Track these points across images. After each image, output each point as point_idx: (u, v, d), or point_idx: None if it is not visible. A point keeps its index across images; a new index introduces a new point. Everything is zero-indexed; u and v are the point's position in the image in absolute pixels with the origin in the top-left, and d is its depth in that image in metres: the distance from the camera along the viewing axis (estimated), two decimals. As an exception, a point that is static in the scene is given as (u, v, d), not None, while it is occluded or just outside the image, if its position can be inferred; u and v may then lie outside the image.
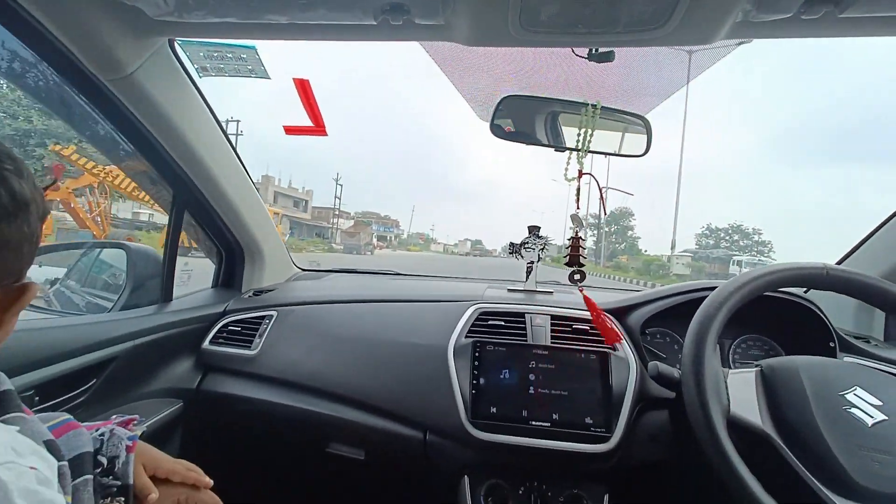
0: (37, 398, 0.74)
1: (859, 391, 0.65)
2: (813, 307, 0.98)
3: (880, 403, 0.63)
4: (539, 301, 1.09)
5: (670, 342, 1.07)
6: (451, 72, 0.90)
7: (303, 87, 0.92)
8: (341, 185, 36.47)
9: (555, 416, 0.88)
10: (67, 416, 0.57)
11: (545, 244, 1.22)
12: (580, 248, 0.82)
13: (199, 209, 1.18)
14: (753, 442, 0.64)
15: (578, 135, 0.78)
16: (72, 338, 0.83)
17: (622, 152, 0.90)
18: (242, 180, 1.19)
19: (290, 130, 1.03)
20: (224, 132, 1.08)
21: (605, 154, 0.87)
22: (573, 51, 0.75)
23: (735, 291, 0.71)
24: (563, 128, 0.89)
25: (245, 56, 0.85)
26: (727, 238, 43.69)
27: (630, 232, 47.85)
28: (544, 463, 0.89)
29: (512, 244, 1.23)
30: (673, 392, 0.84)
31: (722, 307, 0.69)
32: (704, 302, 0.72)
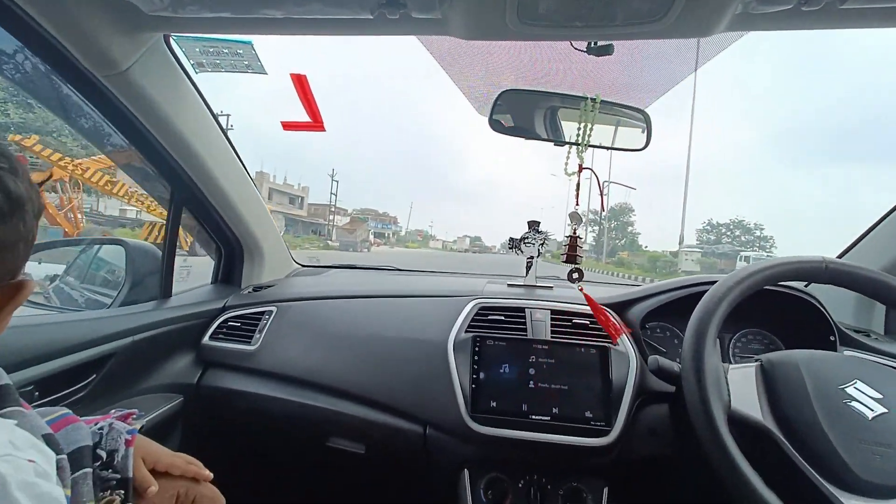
0: (36, 393, 0.74)
1: (859, 384, 0.65)
2: (813, 301, 0.97)
3: (880, 396, 0.63)
4: (539, 296, 1.09)
5: (670, 336, 1.07)
6: (449, 67, 0.89)
7: (300, 83, 0.92)
8: (337, 182, 35.88)
9: (555, 410, 0.88)
10: (66, 410, 0.57)
11: (545, 239, 1.22)
12: (577, 248, 0.82)
13: (197, 205, 1.17)
14: (754, 437, 0.64)
15: (578, 128, 0.78)
16: (71, 334, 0.83)
17: (622, 146, 0.89)
18: (240, 176, 1.19)
19: (287, 126, 1.03)
20: (221, 128, 1.08)
21: (605, 148, 0.87)
22: (572, 44, 0.75)
23: (735, 286, 0.70)
24: (563, 122, 0.89)
25: (241, 51, 0.85)
26: (728, 233, 43.60)
27: (630, 228, 47.82)
28: (544, 457, 0.90)
29: (512, 239, 1.23)
30: (673, 386, 0.84)
31: (722, 302, 0.69)
32: (704, 297, 0.72)
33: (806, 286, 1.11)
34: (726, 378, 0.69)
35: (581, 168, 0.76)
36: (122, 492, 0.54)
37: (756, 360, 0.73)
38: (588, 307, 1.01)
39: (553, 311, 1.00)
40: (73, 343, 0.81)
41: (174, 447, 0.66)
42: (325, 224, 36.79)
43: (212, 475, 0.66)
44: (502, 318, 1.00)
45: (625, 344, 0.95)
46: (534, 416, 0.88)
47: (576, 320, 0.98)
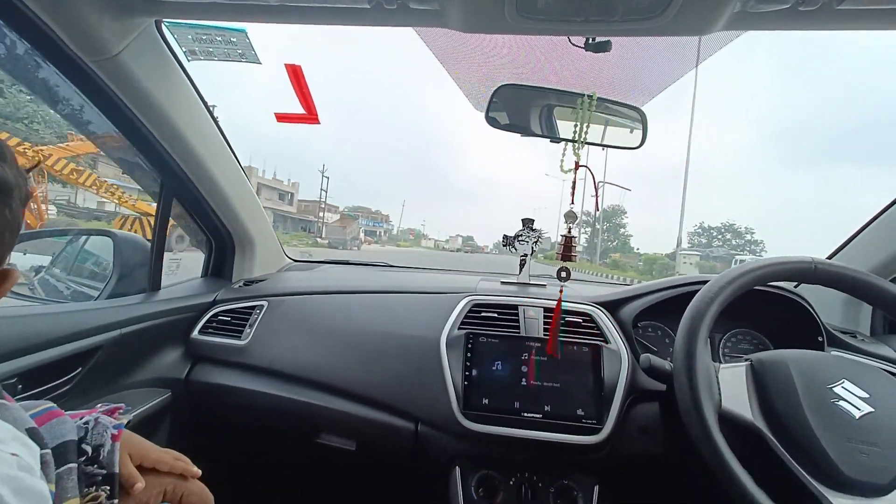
0: (20, 386, 0.72)
1: (847, 384, 0.66)
2: (802, 302, 0.99)
3: (867, 396, 0.64)
4: (532, 293, 1.09)
5: (662, 335, 1.07)
6: (446, 61, 0.89)
7: (295, 74, 0.91)
8: (327, 178, 35.38)
9: (547, 408, 0.88)
10: (50, 404, 0.56)
11: (539, 237, 1.22)
12: (573, 247, 0.82)
13: (188, 197, 1.15)
14: (744, 436, 0.65)
15: (575, 125, 0.78)
16: (56, 326, 0.81)
17: (617, 144, 0.90)
18: (232, 168, 1.17)
19: (281, 118, 1.01)
20: (213, 118, 1.06)
21: (601, 145, 0.86)
22: (570, 40, 0.74)
23: (726, 286, 0.71)
24: (559, 118, 0.89)
25: (235, 39, 0.83)
26: (720, 237, 44.13)
27: (622, 230, 48.20)
28: (536, 454, 0.90)
29: (506, 236, 1.23)
30: (664, 385, 0.85)
31: (713, 302, 0.70)
32: (696, 297, 0.72)
33: (795, 287, 1.13)
34: (717, 377, 0.70)
35: (577, 165, 0.76)
36: (108, 488, 0.53)
37: (746, 360, 0.74)
38: (579, 306, 1.01)
39: (546, 309, 1.00)
40: (58, 335, 0.79)
41: (161, 443, 0.65)
42: (314, 221, 36.24)
43: (200, 472, 0.65)
44: (495, 315, 1.00)
45: (617, 342, 0.95)
46: (526, 414, 0.88)
47: (568, 318, 0.98)
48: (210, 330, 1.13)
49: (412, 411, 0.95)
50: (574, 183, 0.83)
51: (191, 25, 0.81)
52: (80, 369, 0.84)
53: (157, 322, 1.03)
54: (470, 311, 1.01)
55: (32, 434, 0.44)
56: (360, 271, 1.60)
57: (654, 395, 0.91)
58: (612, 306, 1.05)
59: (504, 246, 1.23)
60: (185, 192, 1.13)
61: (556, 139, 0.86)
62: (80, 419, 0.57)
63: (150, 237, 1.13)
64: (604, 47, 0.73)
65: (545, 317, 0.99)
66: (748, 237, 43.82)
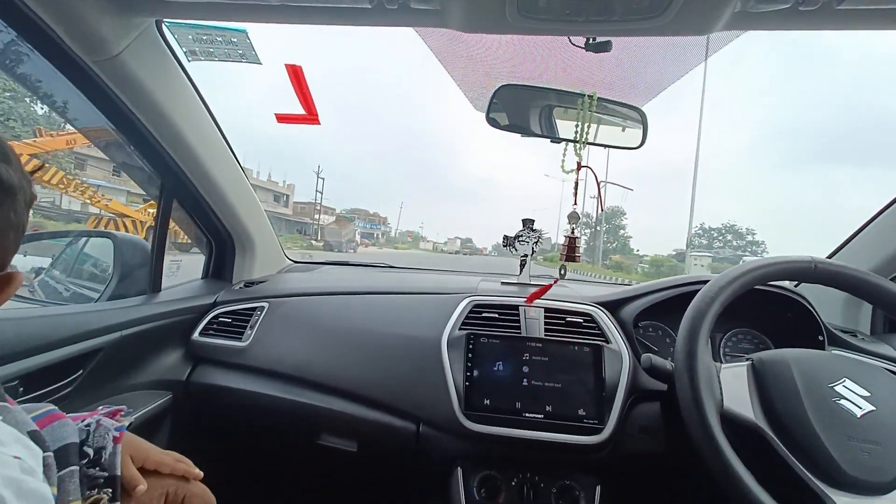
0: (21, 389, 0.72)
1: (848, 383, 0.66)
2: (803, 301, 0.99)
3: (868, 394, 0.64)
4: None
5: (662, 335, 1.07)
6: (446, 60, 0.89)
7: (295, 74, 0.90)
8: (323, 179, 34.88)
9: (548, 408, 0.88)
10: (52, 406, 0.55)
11: (539, 238, 1.21)
12: (576, 248, 0.82)
13: (188, 198, 1.15)
14: (746, 435, 0.65)
15: (576, 126, 0.78)
16: (57, 328, 0.81)
17: (618, 144, 0.90)
18: (233, 168, 1.17)
19: (281, 118, 1.01)
20: (214, 118, 1.06)
21: (601, 145, 0.87)
22: (570, 40, 0.74)
23: (727, 286, 0.71)
24: (559, 119, 0.89)
25: (236, 40, 0.83)
26: (720, 238, 43.87)
27: (622, 231, 48.15)
28: (537, 454, 0.90)
29: (506, 237, 1.23)
30: (665, 384, 0.85)
31: (714, 302, 0.70)
32: (696, 297, 0.72)
33: (796, 286, 1.13)
34: (718, 377, 0.70)
35: (580, 166, 0.76)
36: (110, 490, 0.53)
37: (747, 360, 0.74)
38: (580, 306, 1.01)
39: (547, 310, 1.00)
40: (59, 337, 0.79)
41: (162, 445, 0.65)
42: (311, 223, 35.76)
43: (202, 473, 0.65)
44: (496, 315, 1.00)
45: (617, 342, 0.95)
46: (527, 414, 0.88)
47: (569, 318, 0.99)
48: (211, 331, 1.13)
49: (413, 412, 0.95)
50: (576, 183, 0.83)
51: (191, 25, 0.81)
52: (81, 371, 0.84)
53: (158, 324, 1.03)
54: (471, 311, 1.01)
55: (34, 437, 0.44)
56: (360, 272, 1.59)
57: (656, 395, 0.91)
58: (613, 306, 1.05)
59: (504, 246, 1.23)
60: (186, 194, 1.13)
61: (556, 139, 0.86)
62: (82, 421, 0.57)
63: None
64: (604, 47, 0.73)
65: (546, 317, 0.99)
66: (749, 238, 43.52)
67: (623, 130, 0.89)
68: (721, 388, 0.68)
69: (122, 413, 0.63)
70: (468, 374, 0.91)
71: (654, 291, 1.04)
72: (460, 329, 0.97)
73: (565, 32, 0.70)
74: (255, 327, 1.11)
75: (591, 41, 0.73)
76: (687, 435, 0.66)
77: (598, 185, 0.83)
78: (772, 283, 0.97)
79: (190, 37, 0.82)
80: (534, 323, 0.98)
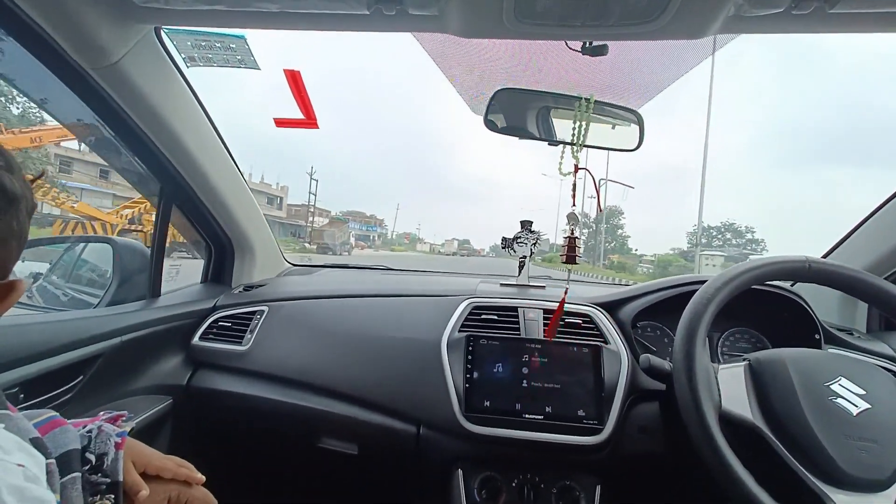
0: (22, 395, 0.72)
1: (844, 381, 0.67)
2: (799, 300, 0.99)
3: (864, 392, 0.65)
4: (531, 295, 1.10)
5: (661, 335, 1.08)
6: (444, 65, 0.89)
7: (294, 79, 0.91)
8: (316, 181, 34.24)
9: (548, 409, 0.89)
10: (53, 413, 0.55)
11: (537, 239, 1.22)
12: (576, 248, 0.83)
13: (187, 203, 1.15)
14: (745, 435, 0.65)
15: (573, 128, 0.78)
16: (58, 334, 0.81)
17: (615, 146, 0.90)
18: (232, 173, 1.17)
19: (280, 123, 1.02)
20: (212, 123, 1.06)
21: (598, 148, 0.87)
22: (567, 44, 0.75)
23: (723, 286, 0.72)
24: (557, 121, 0.89)
25: (234, 46, 0.84)
26: (719, 236, 43.61)
27: (620, 231, 48.15)
28: (537, 455, 0.90)
29: (504, 239, 1.24)
30: (664, 384, 0.85)
31: (710, 303, 0.70)
32: (693, 298, 0.73)
33: (792, 286, 1.14)
34: (716, 378, 0.70)
35: (577, 168, 0.77)
36: (113, 496, 0.53)
37: (744, 360, 0.75)
38: (578, 307, 1.02)
39: (546, 311, 1.01)
40: (59, 344, 0.79)
41: (163, 450, 0.65)
42: (305, 226, 35.13)
43: (203, 478, 0.65)
44: (495, 317, 1.01)
45: (616, 343, 0.96)
46: (527, 415, 0.88)
47: (568, 319, 0.99)
48: (211, 336, 1.13)
49: (414, 414, 0.95)
50: (574, 185, 0.84)
51: (190, 32, 0.82)
52: (81, 377, 0.84)
53: (158, 329, 1.03)
54: (470, 313, 1.01)
55: (36, 443, 0.44)
56: (359, 275, 1.60)
57: (655, 395, 0.91)
58: (611, 307, 1.06)
59: (503, 248, 1.24)
60: (185, 198, 1.13)
61: (554, 142, 0.87)
62: (84, 428, 0.57)
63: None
64: (600, 51, 0.74)
65: (545, 318, 1.00)
66: (749, 236, 43.31)
67: (620, 133, 0.90)
68: (719, 389, 0.69)
69: (124, 419, 0.63)
70: (468, 375, 0.92)
71: (652, 292, 1.05)
72: (460, 331, 0.98)
73: (562, 37, 0.70)
74: (254, 331, 1.11)
75: (587, 45, 0.74)
76: (686, 435, 0.66)
77: (597, 186, 0.83)
78: (768, 282, 0.98)
79: (189, 43, 0.83)
80: (533, 324, 0.99)
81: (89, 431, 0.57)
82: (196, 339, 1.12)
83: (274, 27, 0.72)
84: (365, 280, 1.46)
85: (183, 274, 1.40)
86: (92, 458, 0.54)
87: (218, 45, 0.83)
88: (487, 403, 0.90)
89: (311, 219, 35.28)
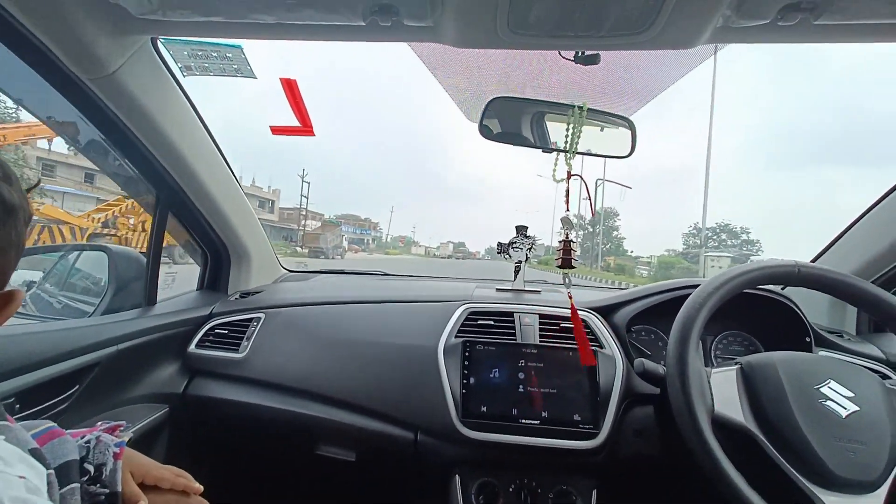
0: (17, 406, 0.72)
1: (833, 384, 0.68)
2: (789, 303, 1.01)
3: (852, 395, 0.66)
4: (527, 300, 1.11)
5: (655, 339, 1.09)
6: (439, 73, 0.90)
7: (290, 87, 0.92)
8: (308, 183, 33.77)
9: (544, 414, 0.90)
10: (51, 423, 0.55)
11: (533, 244, 1.23)
12: (571, 252, 0.84)
13: (183, 210, 1.16)
14: (737, 438, 0.66)
15: (566, 136, 0.79)
16: (53, 343, 0.81)
17: (607, 153, 0.92)
18: (228, 180, 1.18)
19: (276, 131, 1.02)
20: (209, 131, 1.06)
21: (591, 155, 0.89)
22: (560, 53, 0.76)
23: (714, 291, 0.73)
24: (551, 129, 0.91)
25: (231, 55, 0.84)
26: (714, 237, 43.38)
27: (615, 232, 48.26)
28: (534, 460, 0.91)
29: (500, 244, 1.24)
30: (658, 388, 0.86)
31: (702, 308, 0.72)
32: (685, 303, 0.74)
33: (783, 289, 1.15)
34: (709, 381, 0.71)
35: (570, 175, 0.78)
36: None
37: (736, 363, 0.76)
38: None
39: (541, 316, 1.02)
40: (56, 353, 0.79)
41: (160, 458, 0.65)
42: (297, 229, 34.55)
43: (201, 488, 0.65)
44: (491, 322, 1.01)
45: (611, 347, 0.97)
46: (524, 420, 0.89)
47: (563, 324, 1.00)
48: (207, 343, 1.13)
49: (411, 420, 0.95)
50: (567, 191, 0.85)
51: (186, 42, 0.82)
52: (77, 387, 0.84)
53: (154, 337, 1.03)
54: (466, 318, 1.02)
55: (35, 455, 0.44)
56: (355, 280, 1.60)
57: (649, 399, 0.92)
58: (606, 311, 1.07)
59: (499, 253, 1.25)
60: (181, 206, 1.13)
61: (547, 149, 0.88)
62: (82, 438, 0.57)
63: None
64: (593, 60, 0.75)
65: (541, 323, 1.00)
66: (744, 237, 43.12)
67: (612, 139, 0.91)
68: (712, 393, 0.70)
69: (122, 428, 0.63)
70: (465, 381, 0.92)
71: (645, 296, 1.06)
72: (456, 336, 0.98)
73: (555, 47, 0.72)
74: (251, 338, 1.11)
75: (580, 54, 0.75)
76: (680, 438, 0.67)
77: (589, 191, 0.85)
78: (760, 286, 0.99)
79: (185, 52, 0.83)
80: (529, 329, 1.00)
81: (88, 442, 0.57)
82: (192, 347, 1.12)
83: (270, 37, 0.73)
84: (361, 286, 1.46)
85: (176, 280, 1.39)
86: (91, 468, 0.54)
87: (214, 54, 0.84)
88: (484, 409, 0.90)
89: (303, 222, 34.77)
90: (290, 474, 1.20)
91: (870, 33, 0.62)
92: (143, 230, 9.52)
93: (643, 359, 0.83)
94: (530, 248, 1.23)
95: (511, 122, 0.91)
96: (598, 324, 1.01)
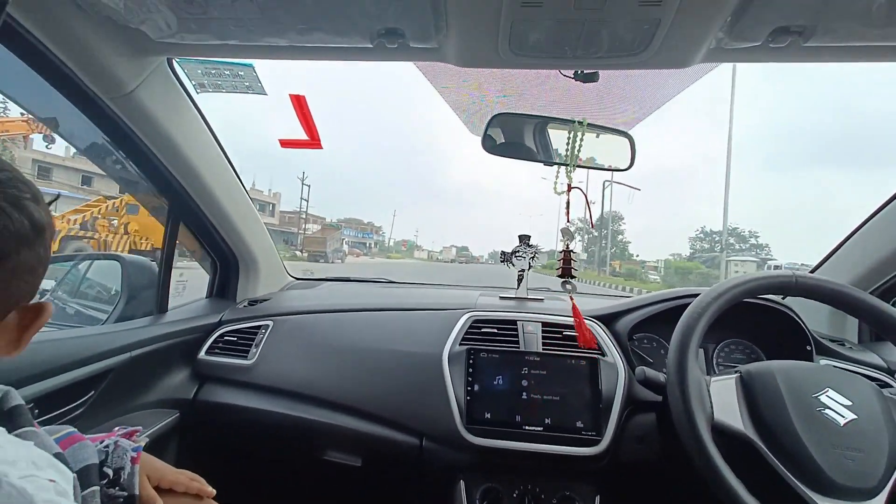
0: (36, 411, 0.74)
1: (831, 392, 0.69)
2: (790, 313, 1.02)
3: (850, 403, 0.67)
4: (530, 308, 1.12)
5: (657, 347, 1.10)
6: (443, 89, 0.93)
7: (299, 103, 0.95)
8: (308, 186, 33.21)
9: (547, 421, 0.91)
10: (72, 428, 0.58)
11: (535, 253, 1.25)
12: (571, 261, 0.86)
13: (194, 220, 1.19)
14: (737, 445, 0.67)
15: (567, 150, 0.82)
16: (71, 350, 0.83)
17: (608, 166, 0.94)
18: (237, 191, 1.21)
19: (285, 144, 1.06)
20: (220, 144, 1.10)
21: (592, 168, 0.91)
22: (560, 71, 0.79)
23: (713, 301, 0.74)
24: (552, 143, 0.93)
25: (242, 73, 0.88)
26: (721, 241, 42.59)
27: (620, 236, 47.87)
28: (537, 466, 0.92)
29: (503, 253, 1.26)
30: (659, 395, 0.88)
31: (702, 317, 0.73)
32: (685, 312, 0.76)
33: (783, 299, 1.16)
34: (708, 390, 0.72)
35: (570, 188, 0.80)
36: None
37: (736, 372, 0.77)
38: (573, 319, 1.04)
39: (544, 324, 1.03)
40: (73, 360, 0.82)
41: (171, 463, 0.67)
42: (297, 233, 33.74)
43: (214, 491, 0.67)
44: (495, 330, 1.03)
45: (613, 355, 0.98)
46: (527, 427, 0.91)
47: (566, 332, 1.01)
48: (216, 350, 1.15)
49: (416, 427, 0.97)
50: (568, 203, 0.87)
51: (200, 61, 0.86)
52: (93, 392, 0.86)
53: (166, 344, 1.06)
54: (471, 326, 1.04)
55: (59, 459, 0.46)
56: (361, 288, 1.62)
57: (651, 406, 0.93)
58: (608, 319, 1.08)
59: (502, 261, 1.27)
60: (192, 217, 1.17)
61: (549, 163, 0.90)
62: (101, 443, 0.59)
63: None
64: (592, 78, 0.78)
65: (544, 331, 1.02)
66: (752, 241, 42.21)
67: (612, 153, 0.94)
68: (711, 401, 0.71)
69: (138, 434, 0.65)
70: (469, 388, 0.94)
71: (647, 305, 1.08)
72: (460, 344, 1.00)
73: (554, 67, 0.74)
74: (259, 345, 1.13)
75: (579, 72, 0.78)
76: (681, 445, 0.68)
77: (588, 203, 0.87)
78: (760, 296, 1.00)
79: (199, 71, 0.87)
80: (532, 337, 1.01)
81: (106, 446, 0.59)
82: (202, 354, 1.15)
83: (282, 58, 0.76)
84: (367, 293, 1.48)
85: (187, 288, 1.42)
86: (109, 472, 0.56)
87: (227, 72, 0.87)
88: (488, 415, 0.92)
89: (303, 226, 34.29)
90: (298, 479, 1.21)
91: (858, 55, 0.64)
92: (126, 233, 9.13)
93: (644, 367, 0.84)
94: (533, 257, 1.25)
95: (513, 136, 0.94)
96: (600, 332, 1.03)
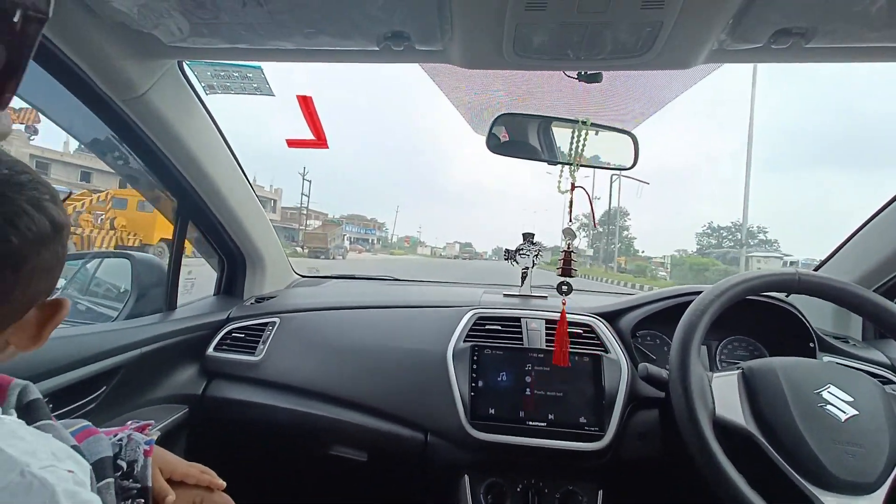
0: (51, 405, 0.76)
1: (832, 388, 0.70)
2: (793, 310, 1.02)
3: (851, 399, 0.68)
4: (534, 306, 1.13)
5: (660, 344, 1.11)
6: (447, 89, 0.94)
7: (305, 104, 0.96)
8: (309, 181, 33.19)
9: (550, 417, 0.92)
10: (86, 422, 0.59)
11: (539, 251, 1.26)
12: (572, 261, 0.87)
13: (203, 219, 1.21)
14: (738, 441, 0.68)
15: (570, 149, 0.83)
16: (83, 347, 0.85)
17: (611, 165, 0.95)
18: (245, 190, 1.23)
19: (292, 143, 1.07)
20: (228, 145, 1.11)
21: (595, 167, 0.92)
22: (564, 72, 0.80)
23: (715, 299, 0.75)
24: (556, 141, 0.94)
25: (251, 75, 0.89)
26: (730, 237, 41.62)
27: (625, 232, 47.53)
28: (541, 461, 0.93)
29: (507, 251, 1.28)
30: (662, 392, 0.88)
31: (704, 314, 0.74)
32: (688, 309, 0.76)
33: (787, 296, 1.17)
34: (711, 386, 0.73)
35: (573, 187, 0.81)
36: (143, 501, 0.57)
37: (738, 368, 0.78)
38: (580, 317, 1.05)
39: (548, 321, 1.04)
40: (85, 356, 0.84)
41: (180, 457, 0.69)
42: (298, 229, 33.50)
43: (224, 484, 0.68)
44: (499, 327, 1.04)
45: (616, 352, 0.99)
46: (531, 423, 0.92)
47: (570, 329, 1.02)
48: (224, 347, 1.17)
49: (421, 422, 0.99)
50: (571, 203, 0.88)
51: (210, 63, 0.87)
52: (104, 388, 0.88)
53: (175, 340, 1.08)
54: (475, 324, 1.05)
55: (77, 451, 0.48)
56: (366, 285, 1.64)
57: (654, 402, 0.94)
58: (612, 317, 1.09)
59: (506, 259, 1.28)
60: (201, 216, 1.18)
61: (553, 162, 0.91)
62: (115, 436, 0.61)
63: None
64: (595, 78, 0.78)
65: (547, 328, 1.03)
66: (761, 237, 41.42)
67: (615, 152, 0.95)
68: (713, 397, 0.72)
69: (150, 427, 0.67)
70: (473, 384, 0.95)
71: (650, 302, 1.08)
72: (465, 341, 1.01)
73: (558, 68, 0.75)
74: (267, 342, 1.15)
75: (583, 73, 0.78)
76: (683, 440, 0.69)
77: (591, 203, 0.88)
78: (763, 293, 1.01)
79: (209, 73, 0.88)
80: (535, 334, 1.02)
81: (120, 440, 0.61)
82: (210, 350, 1.17)
83: (290, 61, 0.78)
84: (372, 291, 1.49)
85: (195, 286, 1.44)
86: (123, 464, 0.58)
87: (236, 74, 0.88)
88: (492, 411, 0.93)
89: (305, 221, 34.00)
90: (304, 473, 1.23)
91: (858, 55, 0.64)
92: (112, 228, 8.77)
93: (647, 363, 0.85)
94: (537, 255, 1.26)
95: (517, 135, 0.95)
96: (603, 329, 1.04)
